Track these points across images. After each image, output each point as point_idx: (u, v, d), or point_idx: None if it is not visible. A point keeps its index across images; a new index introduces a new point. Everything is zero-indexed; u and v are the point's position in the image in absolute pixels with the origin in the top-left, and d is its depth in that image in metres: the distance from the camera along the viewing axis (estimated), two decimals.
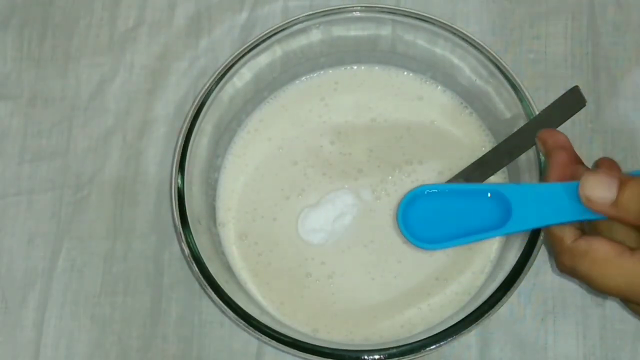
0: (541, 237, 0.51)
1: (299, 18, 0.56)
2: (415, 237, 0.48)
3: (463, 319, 0.50)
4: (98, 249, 0.61)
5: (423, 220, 0.48)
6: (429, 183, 0.58)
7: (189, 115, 0.55)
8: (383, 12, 0.57)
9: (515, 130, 0.54)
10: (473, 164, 0.56)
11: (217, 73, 0.56)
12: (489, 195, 0.47)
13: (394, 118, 0.60)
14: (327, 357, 0.50)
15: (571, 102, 0.52)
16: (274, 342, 0.51)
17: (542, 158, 0.52)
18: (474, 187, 0.49)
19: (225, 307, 0.51)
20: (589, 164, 0.61)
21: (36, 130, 0.64)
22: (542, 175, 0.52)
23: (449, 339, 0.50)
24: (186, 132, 0.54)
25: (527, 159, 0.54)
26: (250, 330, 0.51)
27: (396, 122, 0.60)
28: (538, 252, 0.51)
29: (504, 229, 0.46)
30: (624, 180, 0.43)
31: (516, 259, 0.51)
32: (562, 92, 0.52)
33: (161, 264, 0.60)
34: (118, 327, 0.60)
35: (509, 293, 0.50)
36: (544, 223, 0.46)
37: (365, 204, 0.58)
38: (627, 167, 0.61)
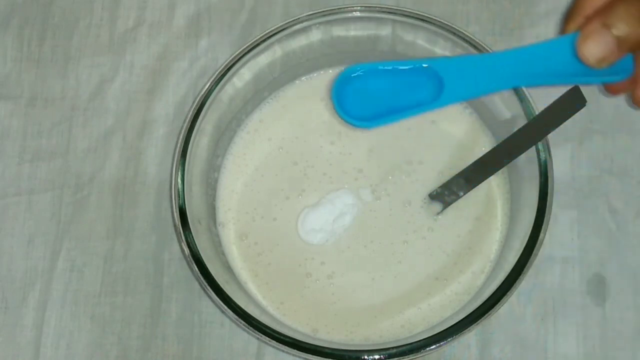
0: (541, 237, 0.51)
1: (299, 18, 0.56)
2: (351, 116, 0.48)
3: (463, 319, 0.50)
4: (98, 249, 0.61)
5: (359, 100, 0.48)
6: (430, 183, 0.58)
7: (189, 115, 0.55)
8: (383, 12, 0.57)
9: (515, 130, 0.54)
10: (473, 164, 0.56)
11: (217, 73, 0.56)
12: (421, 72, 0.48)
13: None
14: (327, 357, 0.50)
15: (571, 102, 0.51)
16: (274, 342, 0.51)
17: (542, 157, 0.53)
18: (404, 64, 0.48)
19: (225, 307, 0.51)
20: (590, 163, 0.61)
21: (36, 130, 0.64)
22: (541, 171, 0.52)
23: (449, 339, 0.50)
24: (186, 132, 0.54)
25: (527, 159, 0.54)
26: (250, 330, 0.51)
27: (396, 122, 0.60)
28: (538, 252, 0.51)
29: (437, 102, 0.47)
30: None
31: (516, 259, 0.51)
32: (562, 92, 0.52)
33: (161, 264, 0.60)
34: (118, 327, 0.60)
35: (509, 293, 0.50)
36: (477, 93, 0.47)
37: (365, 204, 0.58)
38: (627, 167, 0.61)
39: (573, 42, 0.45)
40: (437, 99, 0.48)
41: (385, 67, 0.48)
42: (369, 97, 0.48)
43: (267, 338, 0.51)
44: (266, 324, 0.51)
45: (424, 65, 0.48)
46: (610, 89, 0.51)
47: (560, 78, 0.48)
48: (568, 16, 0.46)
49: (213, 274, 0.52)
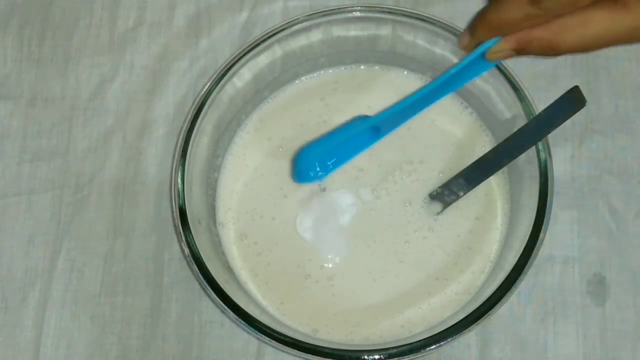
0: (541, 237, 0.51)
1: (299, 18, 0.56)
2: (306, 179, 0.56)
3: (463, 319, 0.50)
4: (98, 249, 0.61)
5: (315, 166, 0.56)
6: (430, 183, 0.58)
7: (189, 115, 0.55)
8: (383, 12, 0.57)
9: (515, 130, 0.54)
10: (473, 164, 0.56)
11: (217, 73, 0.56)
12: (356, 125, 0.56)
13: None
14: (327, 357, 0.50)
15: (571, 102, 0.51)
16: (274, 342, 0.51)
17: (542, 157, 0.53)
18: (339, 131, 0.56)
19: (225, 307, 0.51)
20: (590, 163, 0.61)
21: (36, 130, 0.64)
22: (541, 171, 0.52)
23: (449, 339, 0.50)
24: (186, 132, 0.54)
25: (527, 159, 0.54)
26: (250, 330, 0.51)
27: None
28: (538, 252, 0.51)
29: (373, 139, 0.55)
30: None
31: (516, 259, 0.51)
32: (562, 92, 0.52)
33: (161, 264, 0.60)
34: (118, 327, 0.60)
35: (509, 293, 0.50)
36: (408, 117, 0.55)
37: (366, 204, 0.58)
38: (627, 167, 0.61)
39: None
40: (374, 137, 0.55)
41: (325, 141, 0.56)
42: (321, 157, 0.56)
43: (267, 338, 0.51)
44: (266, 324, 0.51)
45: (362, 124, 0.55)
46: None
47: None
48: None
49: (213, 274, 0.52)
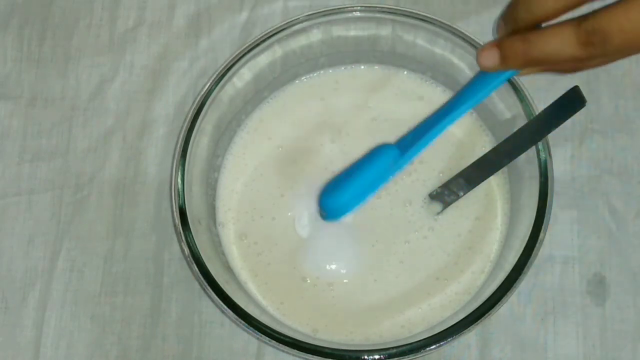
0: (541, 237, 0.51)
1: (299, 18, 0.56)
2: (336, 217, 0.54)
3: (463, 319, 0.50)
4: (98, 249, 0.61)
5: (341, 204, 0.53)
6: (430, 183, 0.58)
7: (189, 115, 0.55)
8: (383, 12, 0.57)
9: (515, 130, 0.54)
10: (473, 164, 0.56)
11: (217, 73, 0.56)
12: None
13: (394, 118, 0.60)
14: (327, 357, 0.50)
15: (571, 102, 0.51)
16: (274, 342, 0.51)
17: (542, 157, 0.53)
18: (359, 167, 0.54)
19: (225, 307, 0.51)
20: (590, 163, 0.61)
21: (36, 130, 0.64)
22: (541, 171, 0.52)
23: (449, 339, 0.50)
24: (186, 132, 0.54)
25: (527, 159, 0.54)
26: (250, 330, 0.51)
27: (397, 122, 0.60)
28: (538, 252, 0.51)
29: (398, 165, 0.52)
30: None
31: (516, 259, 0.51)
32: (562, 92, 0.52)
33: (161, 264, 0.60)
34: (118, 327, 0.60)
35: (509, 293, 0.50)
36: (428, 142, 0.51)
37: (366, 204, 0.58)
38: (627, 167, 0.61)
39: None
40: (398, 163, 0.52)
41: (351, 178, 0.54)
42: (350, 199, 0.53)
43: (267, 338, 0.51)
44: (266, 324, 0.51)
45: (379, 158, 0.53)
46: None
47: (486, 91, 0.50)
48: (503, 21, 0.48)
49: (213, 274, 0.52)
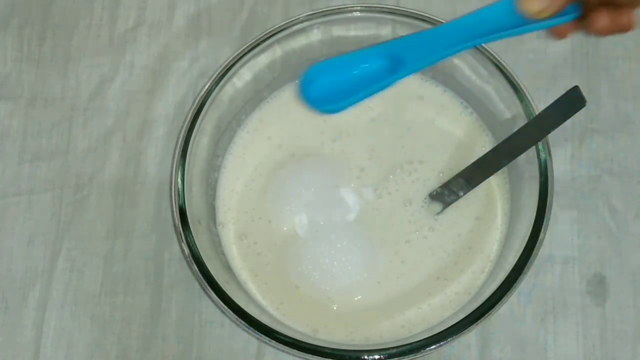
0: (541, 237, 0.51)
1: (299, 18, 0.56)
2: (315, 103, 0.50)
3: (463, 319, 0.50)
4: (98, 249, 0.61)
5: (325, 93, 0.50)
6: (430, 182, 0.58)
7: (189, 115, 0.55)
8: (383, 12, 0.57)
9: (515, 130, 0.54)
10: (473, 164, 0.56)
11: (217, 73, 0.56)
12: (380, 56, 0.49)
13: (395, 118, 0.60)
14: (327, 357, 0.50)
15: (571, 102, 0.52)
16: (274, 342, 0.51)
17: (542, 157, 0.53)
18: (360, 52, 0.50)
19: (225, 307, 0.51)
20: (590, 163, 0.61)
21: (36, 130, 0.64)
22: (541, 171, 0.52)
23: (449, 339, 0.50)
24: (186, 132, 0.55)
25: (527, 159, 0.54)
26: (250, 330, 0.51)
27: (397, 122, 0.60)
28: (538, 252, 0.51)
29: (398, 75, 0.49)
30: None
31: (516, 259, 0.51)
32: (562, 92, 0.52)
33: (161, 264, 0.60)
34: (118, 327, 0.60)
35: (509, 293, 0.50)
36: (434, 61, 0.48)
37: (367, 203, 0.58)
38: (627, 167, 0.61)
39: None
40: (397, 72, 0.49)
41: (344, 59, 0.50)
42: (334, 89, 0.50)
43: (267, 338, 0.51)
44: (266, 324, 0.51)
45: (382, 48, 0.49)
46: (556, 32, 0.48)
47: (509, 31, 0.47)
48: None
49: (213, 274, 0.52)
